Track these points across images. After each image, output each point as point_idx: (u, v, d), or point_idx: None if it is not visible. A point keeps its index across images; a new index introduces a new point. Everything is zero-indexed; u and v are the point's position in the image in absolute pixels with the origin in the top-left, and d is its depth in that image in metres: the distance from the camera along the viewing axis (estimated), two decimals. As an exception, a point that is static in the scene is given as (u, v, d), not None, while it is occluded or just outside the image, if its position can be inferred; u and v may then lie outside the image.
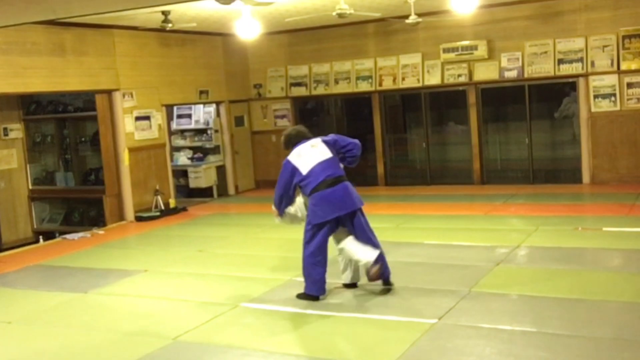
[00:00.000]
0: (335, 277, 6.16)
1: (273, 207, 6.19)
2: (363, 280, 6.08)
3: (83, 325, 5.80)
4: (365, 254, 5.77)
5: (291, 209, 6.15)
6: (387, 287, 5.96)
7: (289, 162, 5.94)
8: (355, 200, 5.88)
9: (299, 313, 5.66)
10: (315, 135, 6.20)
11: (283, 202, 6.08)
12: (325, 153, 5.93)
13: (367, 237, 5.89)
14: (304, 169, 5.84)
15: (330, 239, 5.99)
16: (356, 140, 6.12)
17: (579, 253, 6.96)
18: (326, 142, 6.01)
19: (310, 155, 5.91)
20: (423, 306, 5.55)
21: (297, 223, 6.24)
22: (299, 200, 6.14)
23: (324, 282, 5.89)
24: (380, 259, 5.79)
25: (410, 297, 5.82)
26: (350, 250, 5.88)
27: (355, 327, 5.26)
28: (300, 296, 5.94)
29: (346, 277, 6.12)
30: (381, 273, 5.80)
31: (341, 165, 6.06)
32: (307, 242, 5.87)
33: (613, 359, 4.39)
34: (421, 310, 5.44)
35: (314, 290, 5.88)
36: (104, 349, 5.21)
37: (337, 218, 5.80)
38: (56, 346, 5.38)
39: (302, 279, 6.33)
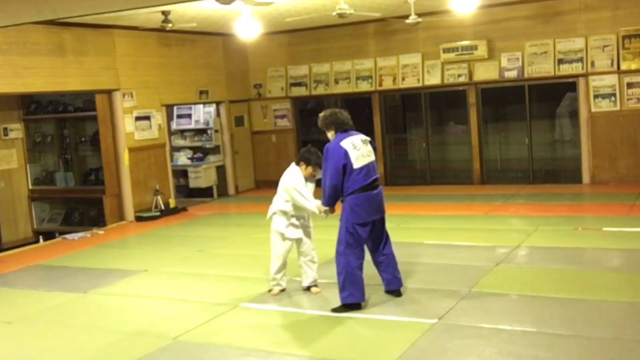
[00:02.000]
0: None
1: (322, 208, 5.67)
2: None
3: (83, 325, 5.80)
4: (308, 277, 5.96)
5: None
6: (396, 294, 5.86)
7: (341, 148, 5.44)
8: (384, 206, 5.75)
9: (299, 313, 5.66)
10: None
11: (337, 197, 5.55)
12: (373, 154, 5.68)
13: (382, 242, 5.75)
14: (357, 163, 5.44)
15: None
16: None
17: (579, 253, 6.96)
18: (372, 144, 5.73)
19: (364, 151, 5.53)
20: (423, 306, 5.55)
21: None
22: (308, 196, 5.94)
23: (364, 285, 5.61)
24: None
25: (410, 297, 5.82)
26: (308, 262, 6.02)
27: (355, 327, 5.26)
28: (339, 309, 5.51)
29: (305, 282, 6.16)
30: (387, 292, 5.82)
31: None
32: (349, 243, 5.48)
33: (613, 359, 4.39)
34: (421, 310, 5.44)
35: (359, 296, 5.50)
36: (103, 349, 5.21)
37: (373, 221, 5.59)
38: (56, 346, 5.38)
39: (302, 279, 6.31)
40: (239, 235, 9.08)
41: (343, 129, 5.61)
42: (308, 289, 6.13)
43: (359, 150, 5.49)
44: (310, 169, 5.97)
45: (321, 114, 5.80)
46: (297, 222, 6.05)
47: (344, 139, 5.51)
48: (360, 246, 5.57)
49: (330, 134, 5.69)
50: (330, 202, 5.61)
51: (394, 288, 5.82)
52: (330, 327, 5.33)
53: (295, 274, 6.72)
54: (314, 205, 5.81)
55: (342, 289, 5.53)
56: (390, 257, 5.80)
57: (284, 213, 6.04)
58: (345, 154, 5.42)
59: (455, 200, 10.63)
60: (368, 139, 5.72)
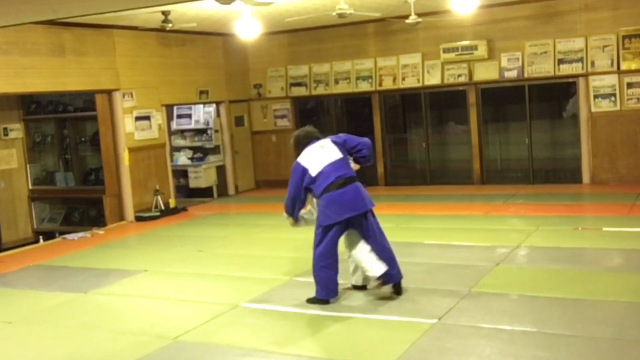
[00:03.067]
0: (343, 277, 6.08)
1: (285, 214, 6.02)
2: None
3: (83, 325, 5.80)
4: (372, 268, 5.68)
5: (304, 212, 6.03)
6: (397, 291, 5.84)
7: (298, 164, 5.81)
8: (366, 201, 5.75)
9: (299, 313, 5.66)
10: (322, 135, 6.10)
11: (296, 207, 5.91)
12: (335, 153, 5.78)
13: (376, 239, 5.77)
14: (314, 171, 5.70)
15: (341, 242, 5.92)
16: (366, 140, 5.99)
17: (579, 253, 6.96)
18: (335, 143, 5.86)
19: (319, 156, 5.77)
20: (423, 306, 5.55)
21: (312, 224, 6.05)
22: (314, 201, 5.99)
23: (335, 285, 5.76)
24: (385, 276, 5.67)
25: (410, 297, 5.81)
26: (360, 259, 5.79)
27: (355, 327, 5.26)
28: (310, 300, 5.79)
29: (356, 279, 6.04)
30: (383, 283, 5.75)
31: (352, 166, 5.93)
32: (317, 244, 5.74)
33: (613, 359, 4.39)
34: (421, 310, 5.44)
35: (324, 294, 5.74)
36: (103, 349, 5.20)
37: (347, 220, 5.67)
38: (56, 346, 5.38)
39: (302, 279, 6.36)
40: (239, 235, 9.08)
41: (306, 144, 5.91)
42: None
43: (312, 158, 5.78)
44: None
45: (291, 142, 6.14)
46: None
47: (302, 154, 5.87)
48: (330, 246, 5.69)
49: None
50: (289, 212, 5.97)
51: (394, 281, 5.80)
52: (330, 327, 5.33)
53: (296, 274, 6.73)
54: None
55: (315, 283, 5.83)
56: (387, 255, 5.78)
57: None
58: (302, 167, 5.78)
59: (455, 200, 10.63)
60: (328, 140, 5.90)
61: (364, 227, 5.75)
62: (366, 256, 5.73)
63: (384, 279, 5.70)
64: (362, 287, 6.03)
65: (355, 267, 6.01)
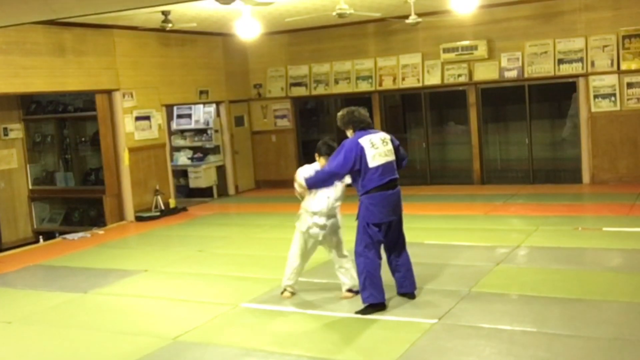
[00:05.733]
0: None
1: (303, 184, 5.50)
2: (391, 282, 6.00)
3: (83, 325, 5.80)
4: (359, 284, 5.60)
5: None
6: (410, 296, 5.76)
7: (359, 144, 5.40)
8: (402, 207, 5.70)
9: (299, 313, 5.66)
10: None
11: (327, 184, 5.49)
12: (392, 154, 5.60)
13: (398, 247, 5.70)
14: (373, 162, 5.40)
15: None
16: (406, 154, 5.92)
17: (579, 253, 6.96)
18: (394, 143, 5.68)
19: (382, 150, 5.48)
20: (423, 306, 5.55)
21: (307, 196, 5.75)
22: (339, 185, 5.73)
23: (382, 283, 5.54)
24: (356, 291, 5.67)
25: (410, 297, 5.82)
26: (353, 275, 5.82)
27: (355, 327, 5.25)
28: (363, 312, 5.44)
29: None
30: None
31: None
32: (366, 245, 5.45)
33: (613, 359, 4.39)
34: (421, 310, 5.44)
35: (380, 296, 5.46)
36: (104, 349, 5.21)
37: (389, 222, 5.54)
38: (56, 346, 5.38)
39: (302, 279, 6.31)
40: (239, 235, 9.08)
41: (361, 127, 5.58)
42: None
43: (377, 149, 5.44)
44: (322, 159, 5.81)
45: (339, 113, 5.76)
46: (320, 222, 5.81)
47: (363, 137, 5.47)
48: (378, 245, 5.55)
49: (349, 133, 5.64)
50: (313, 184, 5.49)
51: (406, 291, 5.75)
52: (330, 327, 5.33)
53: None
54: (301, 178, 5.60)
55: (362, 290, 5.51)
56: (405, 263, 5.73)
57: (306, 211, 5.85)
58: (362, 150, 5.38)
59: (455, 200, 10.63)
60: (388, 137, 5.65)
61: (398, 232, 5.65)
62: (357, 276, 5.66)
63: (354, 293, 5.74)
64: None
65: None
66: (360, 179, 5.47)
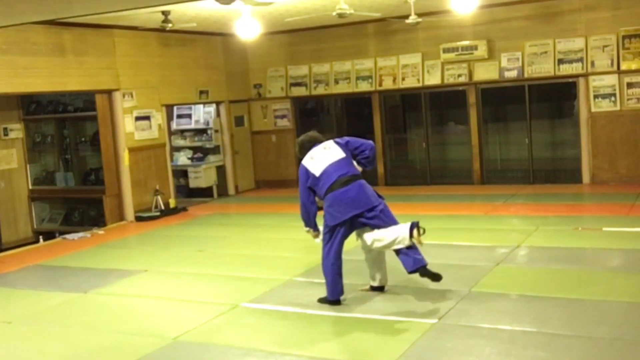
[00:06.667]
0: (354, 278, 6.06)
1: (305, 228, 5.90)
2: (390, 282, 6.02)
3: (83, 325, 5.80)
4: (399, 233, 5.50)
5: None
6: (434, 277, 5.56)
7: (302, 167, 5.81)
8: (370, 197, 5.68)
9: (299, 313, 5.66)
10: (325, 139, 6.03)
11: (310, 212, 5.78)
12: (337, 153, 5.75)
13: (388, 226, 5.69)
14: (317, 171, 5.68)
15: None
16: (370, 142, 5.93)
17: (579, 253, 6.96)
18: (338, 143, 5.84)
19: (322, 156, 5.74)
20: (423, 306, 5.55)
21: None
22: None
23: (341, 286, 5.72)
24: (414, 225, 5.53)
25: (410, 297, 5.82)
26: (382, 237, 5.59)
27: (355, 327, 5.26)
28: (322, 300, 5.78)
29: (375, 280, 5.97)
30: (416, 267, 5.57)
31: (356, 165, 5.86)
32: (324, 245, 5.70)
33: (613, 359, 4.39)
34: (421, 310, 5.44)
35: (336, 294, 5.71)
36: (103, 349, 5.21)
37: (352, 218, 5.58)
38: (56, 346, 5.38)
39: (302, 279, 6.35)
40: (239, 235, 9.08)
41: (310, 147, 5.90)
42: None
43: (315, 159, 5.76)
44: None
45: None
46: None
47: (305, 157, 5.85)
48: (337, 246, 5.63)
49: None
50: (305, 221, 5.85)
51: (419, 265, 5.56)
52: (330, 327, 5.34)
53: (296, 274, 6.73)
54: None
55: (327, 286, 5.76)
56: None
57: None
58: (305, 168, 5.77)
59: (455, 200, 10.63)
60: (331, 141, 5.87)
61: (372, 224, 5.65)
62: (385, 231, 5.58)
63: (416, 227, 5.55)
64: (380, 289, 5.96)
65: (373, 267, 5.94)
66: (318, 191, 5.73)
